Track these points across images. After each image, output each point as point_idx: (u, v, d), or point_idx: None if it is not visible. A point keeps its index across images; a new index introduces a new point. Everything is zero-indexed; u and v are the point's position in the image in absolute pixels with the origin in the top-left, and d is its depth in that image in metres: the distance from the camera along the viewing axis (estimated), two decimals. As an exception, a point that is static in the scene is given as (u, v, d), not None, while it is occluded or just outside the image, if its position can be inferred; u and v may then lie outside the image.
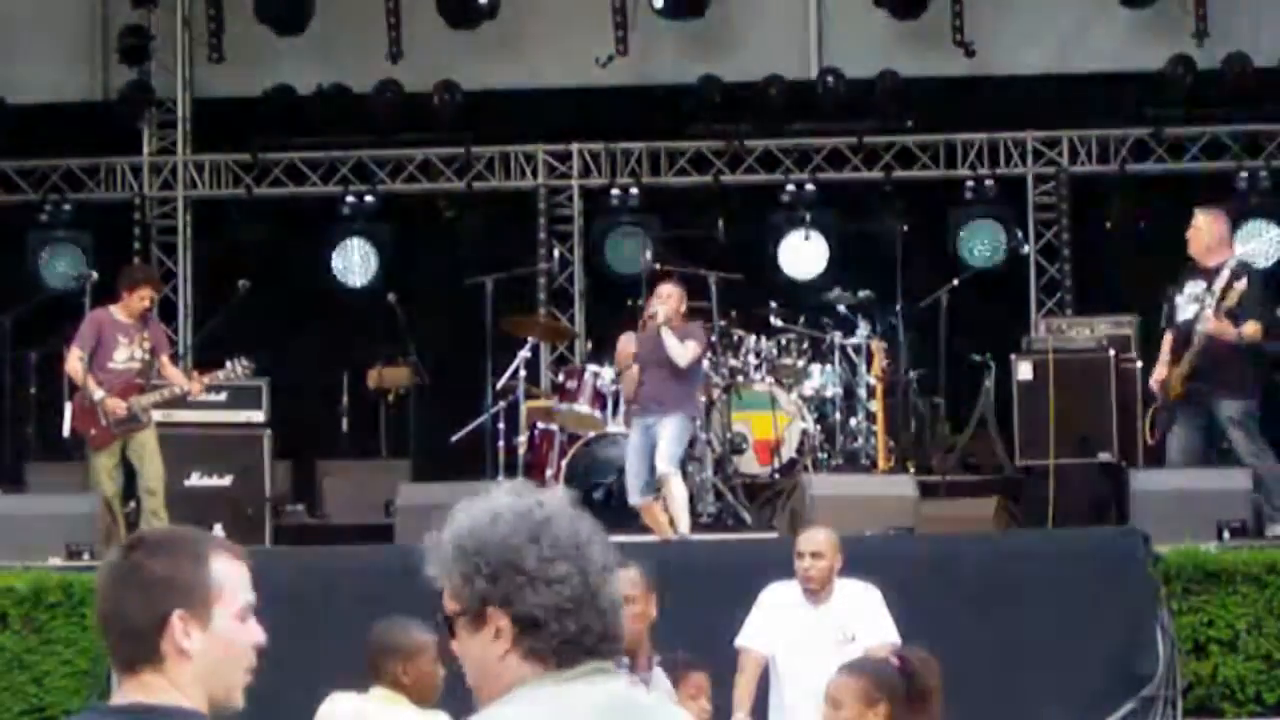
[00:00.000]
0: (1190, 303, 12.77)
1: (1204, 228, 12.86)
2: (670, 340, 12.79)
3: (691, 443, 13.48)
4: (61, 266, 17.46)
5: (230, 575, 3.20)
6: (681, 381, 12.93)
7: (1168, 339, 12.99)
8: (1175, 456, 12.82)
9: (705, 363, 13.67)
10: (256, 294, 15.26)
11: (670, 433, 12.75)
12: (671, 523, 12.80)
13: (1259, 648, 11.34)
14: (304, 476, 16.22)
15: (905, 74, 17.41)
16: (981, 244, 16.94)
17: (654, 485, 12.81)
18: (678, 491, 12.79)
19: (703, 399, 13.93)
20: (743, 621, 9.26)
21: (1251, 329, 12.54)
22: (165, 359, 13.81)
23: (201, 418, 15.07)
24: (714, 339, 14.33)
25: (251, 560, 3.25)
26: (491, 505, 3.04)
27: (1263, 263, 12.73)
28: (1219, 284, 12.63)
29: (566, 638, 2.99)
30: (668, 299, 12.98)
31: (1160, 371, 12.82)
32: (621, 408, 14.05)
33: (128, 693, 3.19)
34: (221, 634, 3.18)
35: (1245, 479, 12.80)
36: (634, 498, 12.92)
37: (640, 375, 13.00)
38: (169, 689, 3.16)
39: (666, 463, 12.73)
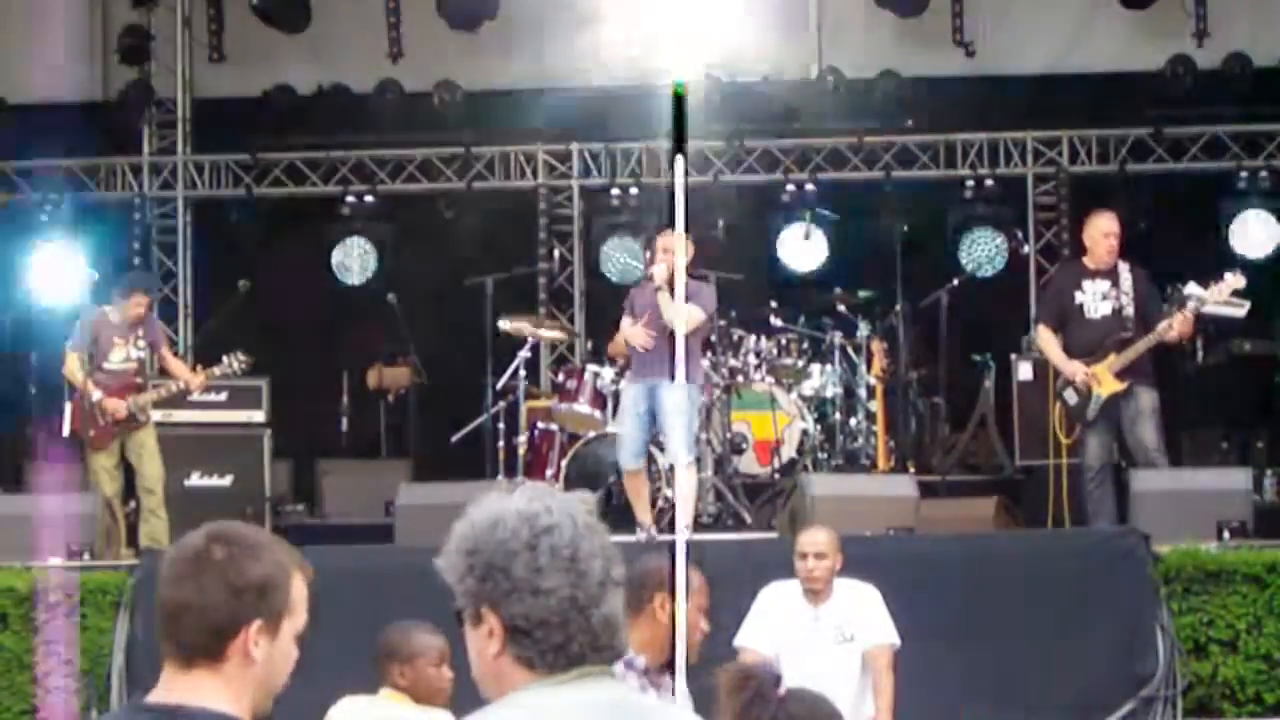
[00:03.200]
0: (1099, 301, 12.84)
1: (1118, 232, 12.96)
2: (665, 301, 12.06)
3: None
4: (61, 268, 17.48)
5: (301, 595, 3.26)
6: (685, 344, 12.33)
7: (1054, 338, 12.96)
8: (1095, 455, 12.81)
9: (714, 322, 13.12)
10: (256, 294, 15.26)
11: (679, 410, 12.05)
12: (661, 508, 12.76)
13: (1259, 648, 11.34)
14: (304, 476, 16.22)
15: (905, 74, 17.41)
16: (980, 251, 16.96)
17: (645, 452, 12.51)
18: (688, 486, 12.33)
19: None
20: (742, 621, 9.25)
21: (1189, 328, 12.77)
22: (166, 353, 13.81)
23: (201, 418, 15.08)
24: (713, 338, 14.30)
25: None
26: (499, 508, 3.07)
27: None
28: (1126, 283, 12.78)
29: (550, 647, 3.01)
30: (668, 254, 12.06)
31: (1080, 367, 12.78)
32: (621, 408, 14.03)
33: (172, 688, 3.20)
34: (283, 648, 3.22)
35: (1245, 479, 12.81)
36: (626, 461, 12.57)
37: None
38: (219, 691, 3.17)
39: (684, 451, 12.15)
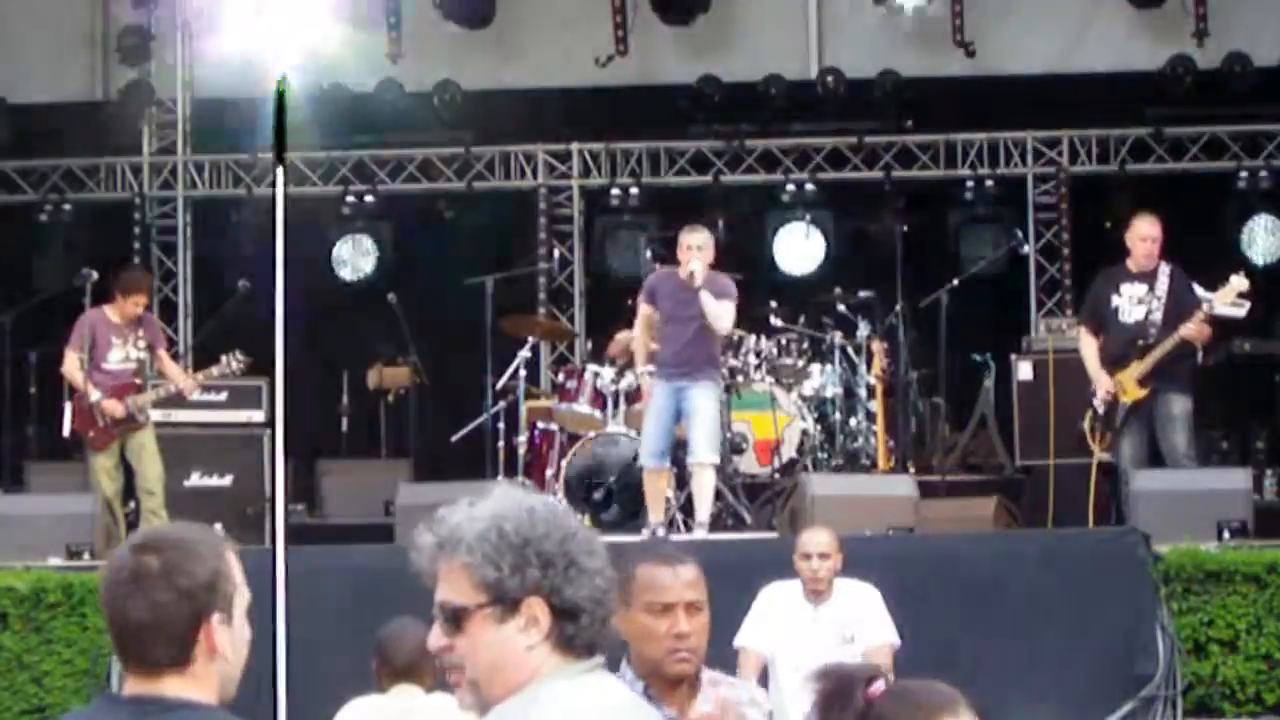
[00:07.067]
0: (1134, 305, 12.85)
1: (1159, 236, 12.93)
2: (710, 303, 12.23)
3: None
4: (60, 267, 17.50)
5: (239, 572, 3.25)
6: (712, 338, 12.52)
7: (1094, 342, 13.01)
8: (1129, 460, 12.81)
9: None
10: (256, 294, 15.25)
11: (707, 411, 12.33)
12: (684, 508, 12.78)
13: (1259, 648, 11.34)
14: (304, 476, 16.21)
15: (905, 74, 17.41)
16: (982, 245, 16.98)
17: (668, 453, 12.58)
18: (709, 482, 12.50)
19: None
20: (742, 621, 9.25)
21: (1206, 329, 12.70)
22: (163, 354, 13.80)
23: (201, 418, 15.09)
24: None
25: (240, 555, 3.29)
26: (520, 502, 3.12)
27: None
28: (1162, 287, 12.77)
29: (597, 627, 3.09)
30: (701, 251, 12.26)
31: (1105, 376, 12.83)
32: (622, 407, 14.03)
33: (141, 688, 3.19)
34: (239, 630, 3.23)
35: (1245, 479, 12.81)
36: (646, 460, 12.59)
37: (663, 326, 12.59)
38: (190, 688, 3.17)
39: (708, 450, 12.38)
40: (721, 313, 12.29)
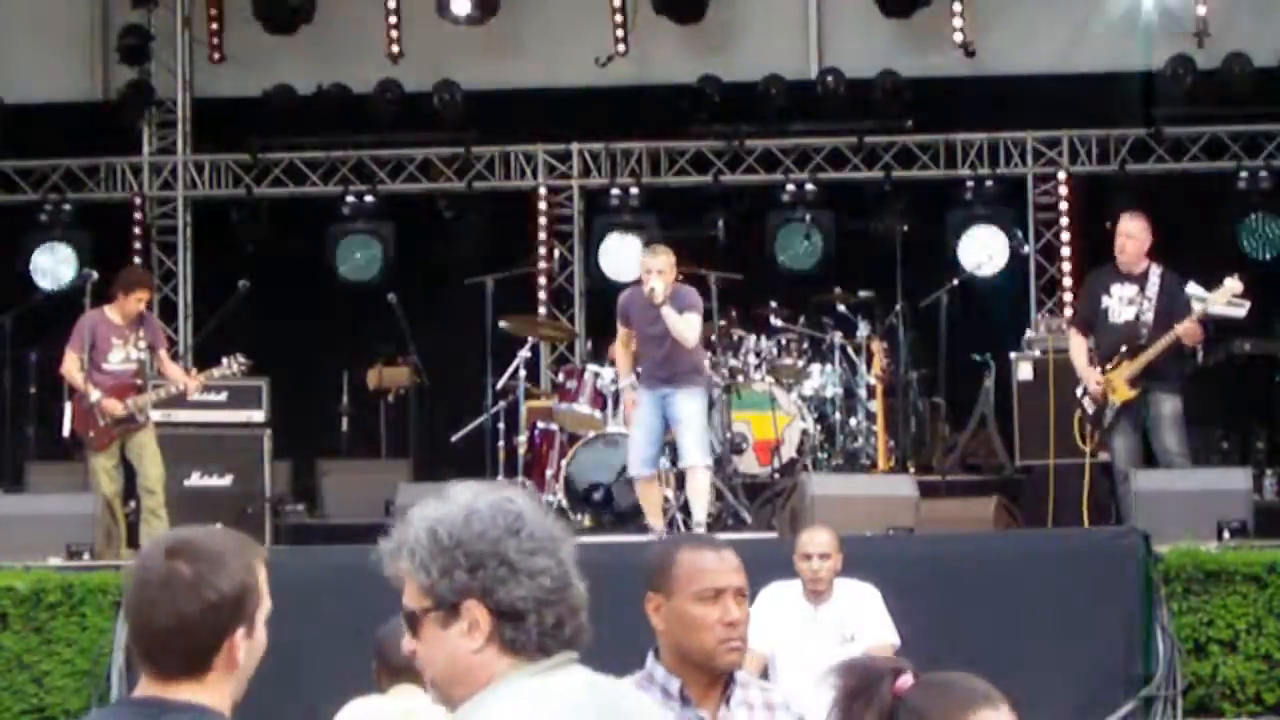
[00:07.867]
0: (1125, 305, 12.85)
1: (1140, 234, 12.92)
2: (672, 318, 12.25)
3: None
4: (61, 267, 17.51)
5: (264, 581, 3.24)
6: (685, 348, 12.47)
7: (1083, 342, 13.02)
8: (1124, 460, 12.80)
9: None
10: (256, 294, 15.26)
11: (693, 417, 12.34)
12: (685, 509, 12.77)
13: (1259, 648, 11.33)
14: (304, 476, 16.22)
15: (905, 74, 17.42)
16: (980, 250, 16.96)
17: (657, 460, 12.63)
18: (703, 484, 12.51)
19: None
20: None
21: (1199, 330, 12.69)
22: (164, 354, 13.79)
23: (201, 418, 15.08)
24: (714, 338, 14.28)
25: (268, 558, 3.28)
26: (463, 501, 3.08)
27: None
28: (1153, 288, 12.75)
29: (545, 629, 3.04)
30: (661, 275, 12.28)
31: (1094, 375, 12.84)
32: (622, 407, 14.03)
33: (150, 692, 3.20)
34: (258, 640, 3.23)
35: (1245, 479, 12.81)
36: (635, 469, 12.61)
37: (639, 342, 12.61)
38: (201, 695, 3.17)
39: (699, 454, 12.39)
40: (684, 327, 12.29)
